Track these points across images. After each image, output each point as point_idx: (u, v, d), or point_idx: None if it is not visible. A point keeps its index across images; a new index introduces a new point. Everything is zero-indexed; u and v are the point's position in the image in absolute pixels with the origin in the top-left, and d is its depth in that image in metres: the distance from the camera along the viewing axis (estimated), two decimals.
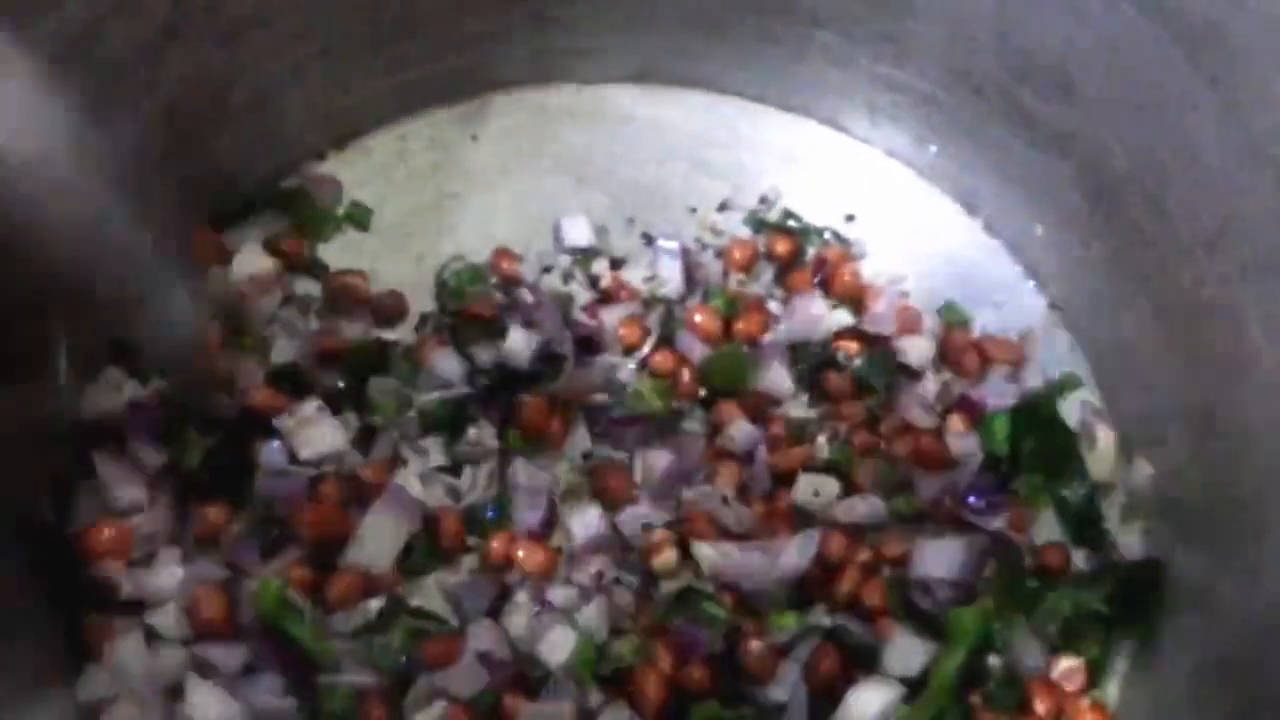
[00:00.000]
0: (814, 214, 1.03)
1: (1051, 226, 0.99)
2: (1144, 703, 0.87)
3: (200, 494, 0.85)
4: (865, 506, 0.88)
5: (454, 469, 0.90)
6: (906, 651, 0.84)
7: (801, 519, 0.88)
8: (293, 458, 0.86)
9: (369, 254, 0.99)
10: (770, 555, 0.85)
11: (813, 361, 0.95)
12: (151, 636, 0.81)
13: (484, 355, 0.91)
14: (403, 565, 0.86)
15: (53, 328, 0.81)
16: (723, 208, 1.03)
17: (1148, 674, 0.87)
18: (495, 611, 0.84)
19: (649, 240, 1.01)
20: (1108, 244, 0.93)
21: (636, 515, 0.87)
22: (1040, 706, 0.84)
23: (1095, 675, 0.87)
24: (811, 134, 1.07)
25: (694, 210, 1.03)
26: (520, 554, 0.85)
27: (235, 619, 0.81)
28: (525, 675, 0.82)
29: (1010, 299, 1.01)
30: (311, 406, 0.87)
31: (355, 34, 0.94)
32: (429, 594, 0.86)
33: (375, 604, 0.83)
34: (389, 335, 0.95)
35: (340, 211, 1.00)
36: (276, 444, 0.86)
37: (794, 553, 0.85)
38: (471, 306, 0.93)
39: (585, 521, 0.87)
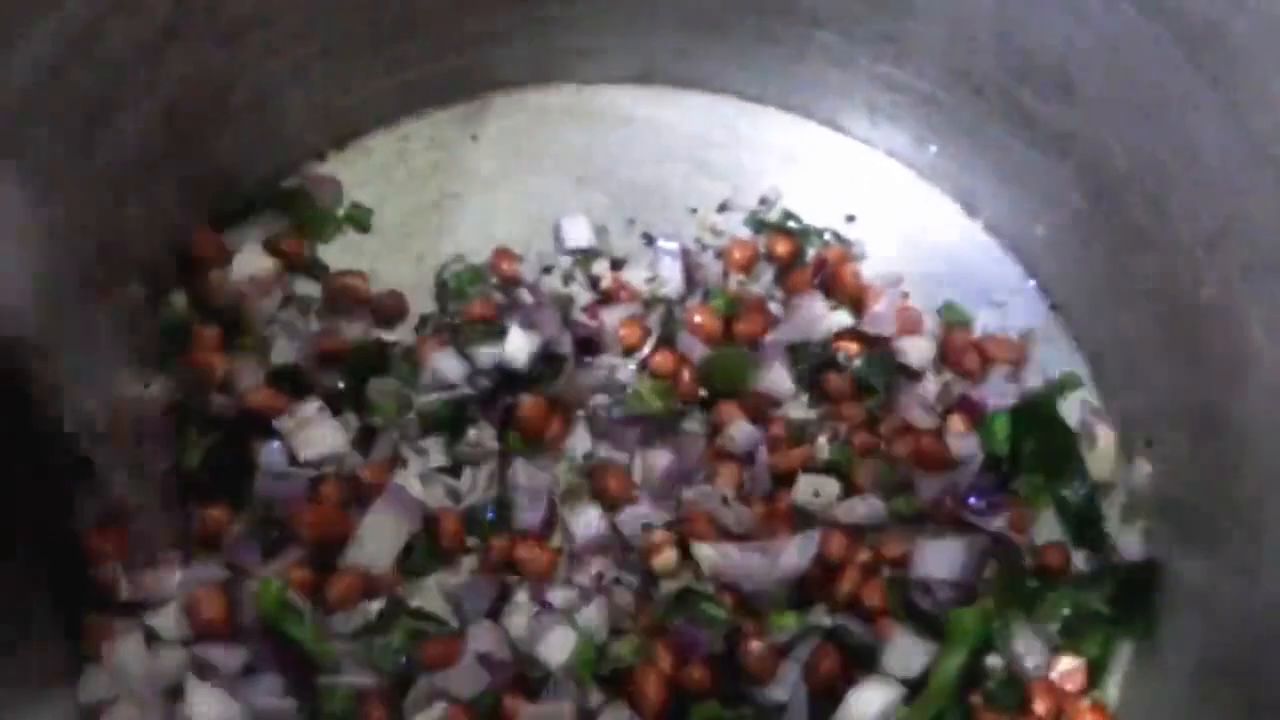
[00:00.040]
0: (814, 214, 1.03)
1: (1051, 226, 0.99)
2: (1144, 703, 0.87)
3: (201, 495, 0.85)
4: (865, 507, 0.88)
5: (454, 469, 0.89)
6: (907, 652, 0.84)
7: (801, 519, 0.88)
8: (293, 458, 0.86)
9: (369, 254, 0.98)
10: (770, 555, 0.85)
11: (813, 362, 0.95)
12: (151, 637, 0.81)
13: (484, 356, 0.91)
14: (403, 566, 0.86)
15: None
16: (723, 208, 1.03)
17: (1148, 674, 0.87)
18: (495, 612, 0.84)
19: (649, 241, 1.01)
20: (1108, 244, 0.93)
21: (636, 515, 0.87)
22: (1040, 707, 0.84)
23: (1095, 675, 0.87)
24: (811, 134, 1.07)
25: (694, 210, 1.03)
26: (520, 554, 0.85)
27: (235, 620, 0.81)
28: (525, 676, 0.82)
29: (1010, 299, 1.01)
30: (311, 407, 0.87)
31: (355, 34, 0.94)
32: (429, 595, 0.86)
33: (375, 605, 0.83)
34: (389, 336, 0.95)
35: (340, 212, 1.00)
36: (276, 445, 0.86)
37: (794, 553, 0.85)
38: (471, 307, 0.93)
39: (585, 521, 0.87)
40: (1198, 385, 0.86)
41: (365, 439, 0.89)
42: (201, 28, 0.84)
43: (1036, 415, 0.94)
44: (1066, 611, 0.88)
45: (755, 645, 0.82)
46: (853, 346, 0.96)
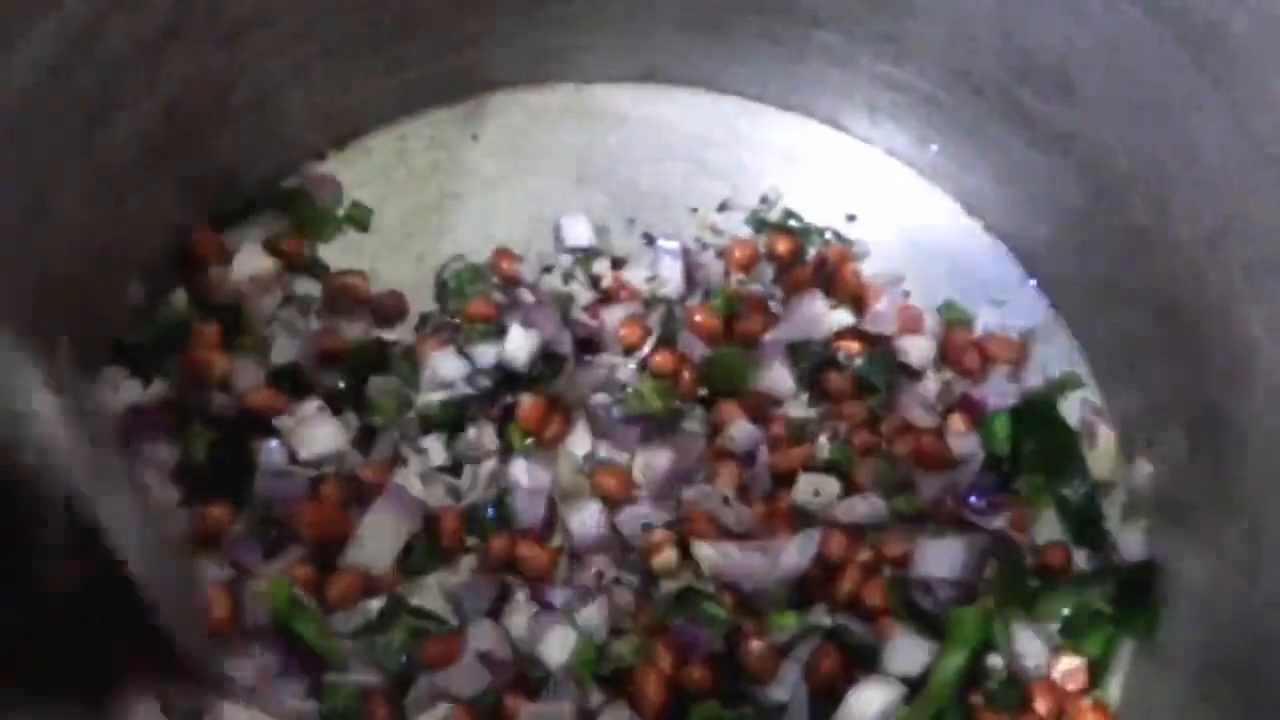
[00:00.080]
0: (814, 214, 1.03)
1: (1052, 226, 0.99)
2: (1145, 702, 0.87)
3: (202, 494, 0.85)
4: (866, 506, 0.88)
5: (454, 469, 0.89)
6: (907, 651, 0.84)
7: (802, 519, 0.88)
8: (293, 458, 0.86)
9: (369, 254, 0.98)
10: (770, 555, 0.85)
11: (813, 361, 0.95)
12: None
13: (484, 355, 0.91)
14: (403, 565, 0.86)
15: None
16: (723, 208, 1.03)
17: (1149, 674, 0.87)
18: (495, 611, 0.84)
19: (649, 240, 1.01)
20: (1108, 244, 0.93)
21: (636, 515, 0.87)
22: (1041, 706, 0.84)
23: (1096, 675, 0.87)
24: (812, 134, 1.07)
25: (694, 210, 1.03)
26: (520, 554, 0.85)
27: (240, 620, 0.81)
28: (526, 675, 0.82)
29: (1010, 298, 1.01)
30: (311, 406, 0.87)
31: (356, 34, 0.94)
32: (429, 594, 0.86)
33: (375, 604, 0.83)
34: (389, 335, 0.94)
35: (340, 211, 1.00)
36: (276, 444, 0.86)
37: (794, 553, 0.85)
38: (471, 306, 0.93)
39: (585, 521, 0.86)
40: (1198, 385, 0.86)
41: (365, 438, 0.89)
42: (202, 27, 0.84)
43: (1037, 414, 0.94)
44: (1067, 611, 0.88)
45: (755, 645, 0.82)
46: (853, 345, 0.96)
